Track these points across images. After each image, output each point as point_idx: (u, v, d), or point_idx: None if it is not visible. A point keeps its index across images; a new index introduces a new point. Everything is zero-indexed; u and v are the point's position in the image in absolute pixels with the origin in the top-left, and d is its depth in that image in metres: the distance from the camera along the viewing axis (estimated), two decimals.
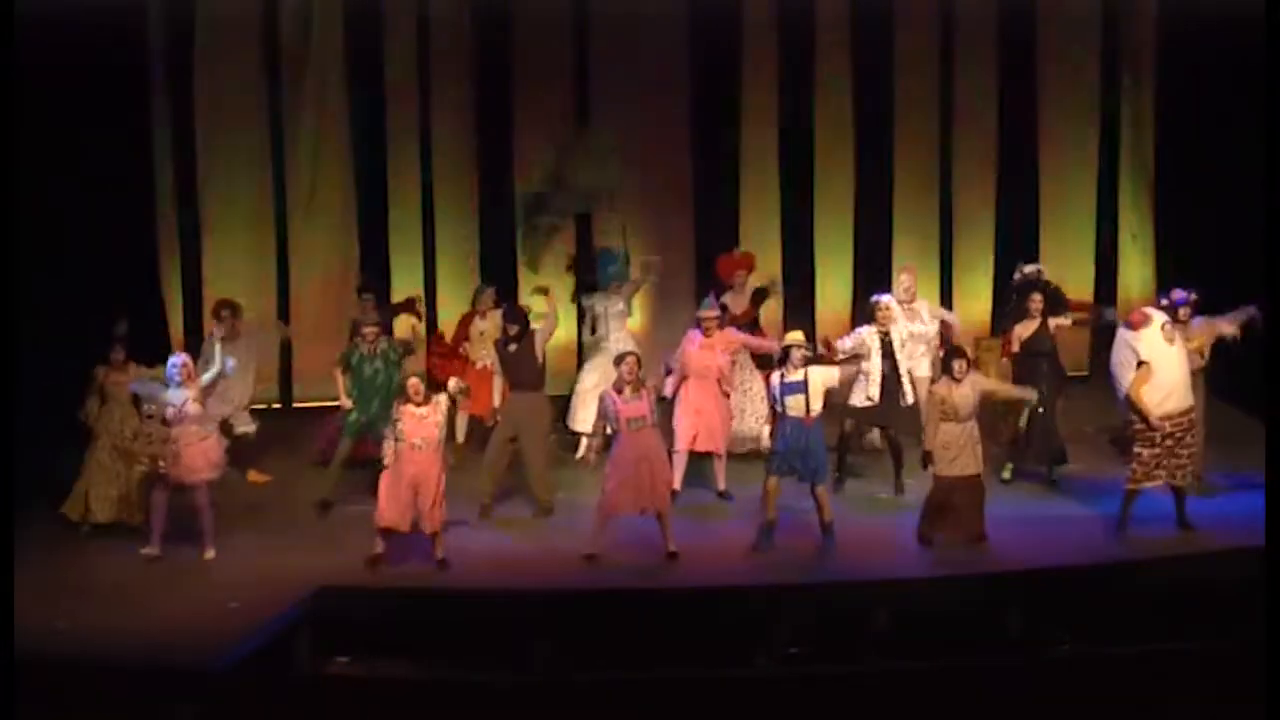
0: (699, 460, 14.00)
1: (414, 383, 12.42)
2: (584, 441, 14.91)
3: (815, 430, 12.73)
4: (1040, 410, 13.92)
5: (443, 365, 14.76)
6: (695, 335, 13.98)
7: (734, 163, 16.85)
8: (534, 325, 13.71)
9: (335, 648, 11.63)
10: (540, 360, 13.59)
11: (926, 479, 12.97)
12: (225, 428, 13.81)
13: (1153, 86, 17.19)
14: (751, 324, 14.90)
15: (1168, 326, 12.88)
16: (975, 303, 17.17)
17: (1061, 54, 17.08)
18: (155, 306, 15.81)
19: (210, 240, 16.45)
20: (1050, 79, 17.11)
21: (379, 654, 11.53)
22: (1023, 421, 14.03)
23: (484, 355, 14.54)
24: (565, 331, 15.50)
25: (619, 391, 12.56)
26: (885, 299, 14.01)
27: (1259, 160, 14.72)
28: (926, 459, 12.62)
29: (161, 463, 12.67)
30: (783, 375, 12.70)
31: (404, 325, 15.16)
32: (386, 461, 12.41)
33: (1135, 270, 17.45)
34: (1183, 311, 13.83)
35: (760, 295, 15.03)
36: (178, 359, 12.85)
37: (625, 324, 14.95)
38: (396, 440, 12.33)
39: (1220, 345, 13.91)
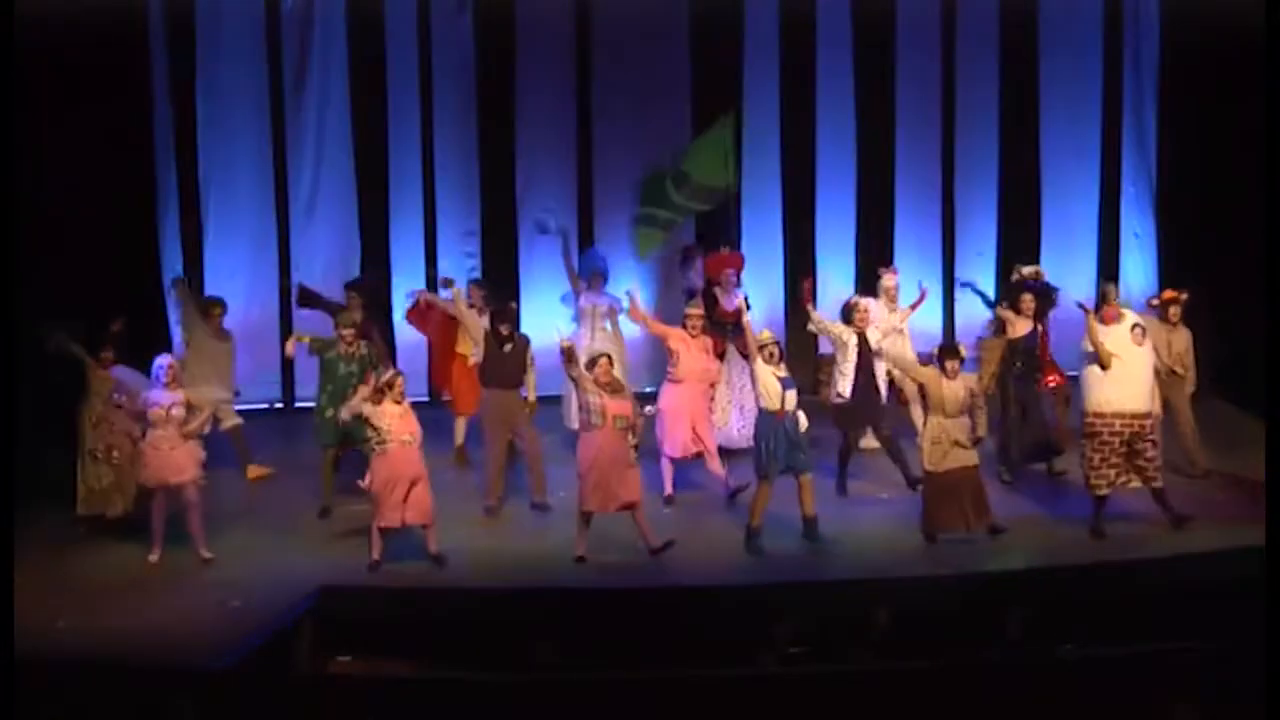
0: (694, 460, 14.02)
1: (399, 381, 12.34)
2: None
3: (800, 422, 12.82)
4: (1029, 409, 13.90)
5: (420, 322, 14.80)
6: (685, 340, 13.92)
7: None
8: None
9: (335, 648, 11.64)
10: (528, 365, 13.62)
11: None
12: (213, 422, 13.75)
13: (1154, 86, 17.20)
14: (739, 323, 14.84)
15: (1138, 330, 12.84)
16: (975, 302, 17.15)
17: (1062, 54, 17.08)
18: (155, 306, 15.80)
19: (210, 240, 16.45)
20: (1050, 79, 17.10)
21: (379, 654, 11.53)
22: (1015, 416, 14.02)
23: (476, 353, 14.46)
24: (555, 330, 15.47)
25: (600, 389, 12.46)
26: (864, 301, 14.05)
27: (1260, 160, 14.72)
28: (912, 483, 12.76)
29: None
30: (775, 374, 12.71)
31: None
32: (365, 483, 12.33)
33: (1136, 270, 17.45)
34: (1173, 312, 13.81)
35: (745, 300, 15.02)
36: (164, 360, 12.79)
37: (608, 323, 14.91)
38: (382, 442, 12.27)
39: (1220, 343, 13.95)
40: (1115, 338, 12.80)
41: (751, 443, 14.48)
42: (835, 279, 16.84)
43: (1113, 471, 12.70)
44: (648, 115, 16.68)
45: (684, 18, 16.60)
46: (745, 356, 14.69)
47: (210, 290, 15.79)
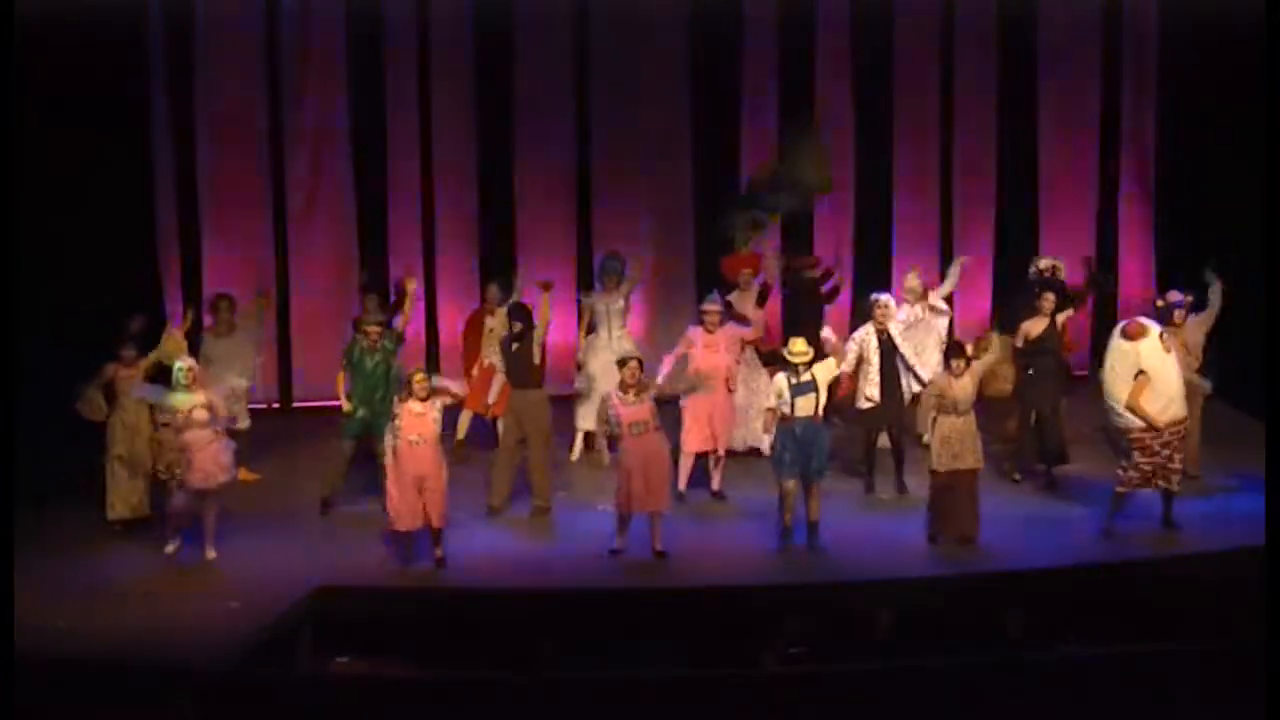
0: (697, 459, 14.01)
1: (420, 379, 12.38)
2: (578, 441, 14.96)
3: (824, 429, 12.74)
4: (1045, 409, 13.91)
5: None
6: (697, 333, 13.95)
7: (734, 162, 16.84)
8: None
9: (335, 648, 11.63)
10: (539, 359, 13.56)
11: (922, 483, 13.00)
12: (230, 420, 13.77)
13: (1153, 86, 17.20)
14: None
15: (1164, 336, 12.80)
16: (976, 301, 17.17)
17: (1062, 54, 17.08)
18: (156, 307, 15.79)
19: (210, 241, 16.45)
20: (1050, 79, 17.10)
21: (379, 654, 11.53)
22: (1032, 419, 14.00)
23: (492, 353, 14.49)
24: (564, 331, 15.51)
25: (621, 394, 12.54)
26: (884, 296, 14.04)
27: (1259, 160, 14.73)
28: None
29: (177, 471, 12.64)
30: (789, 379, 12.64)
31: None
32: (386, 461, 12.39)
33: (1136, 270, 17.45)
34: (1178, 314, 13.78)
35: (764, 296, 15.01)
36: (183, 363, 12.79)
37: (624, 322, 14.93)
38: (395, 439, 12.31)
39: (1219, 345, 13.93)
40: (1147, 353, 12.67)
41: (755, 442, 14.59)
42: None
43: (1146, 477, 12.69)
44: (648, 115, 16.67)
45: (684, 18, 16.59)
46: (762, 358, 14.73)
47: (211, 290, 15.77)
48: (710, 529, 13.28)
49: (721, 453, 13.91)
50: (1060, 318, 14.00)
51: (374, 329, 13.71)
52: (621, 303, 14.92)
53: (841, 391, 13.82)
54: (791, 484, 12.59)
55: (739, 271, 14.95)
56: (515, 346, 13.54)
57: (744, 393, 14.49)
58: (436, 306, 16.71)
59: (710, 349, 13.88)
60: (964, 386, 12.60)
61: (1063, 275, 14.76)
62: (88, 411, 13.22)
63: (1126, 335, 12.80)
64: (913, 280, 14.94)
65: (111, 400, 13.28)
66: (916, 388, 13.88)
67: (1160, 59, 17.14)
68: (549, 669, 11.18)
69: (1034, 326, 13.97)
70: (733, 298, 14.79)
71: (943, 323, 14.88)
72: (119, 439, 13.22)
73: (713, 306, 14.02)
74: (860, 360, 13.83)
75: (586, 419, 14.88)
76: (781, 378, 12.68)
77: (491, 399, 14.30)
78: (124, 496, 13.21)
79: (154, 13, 15.96)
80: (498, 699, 10.31)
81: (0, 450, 11.82)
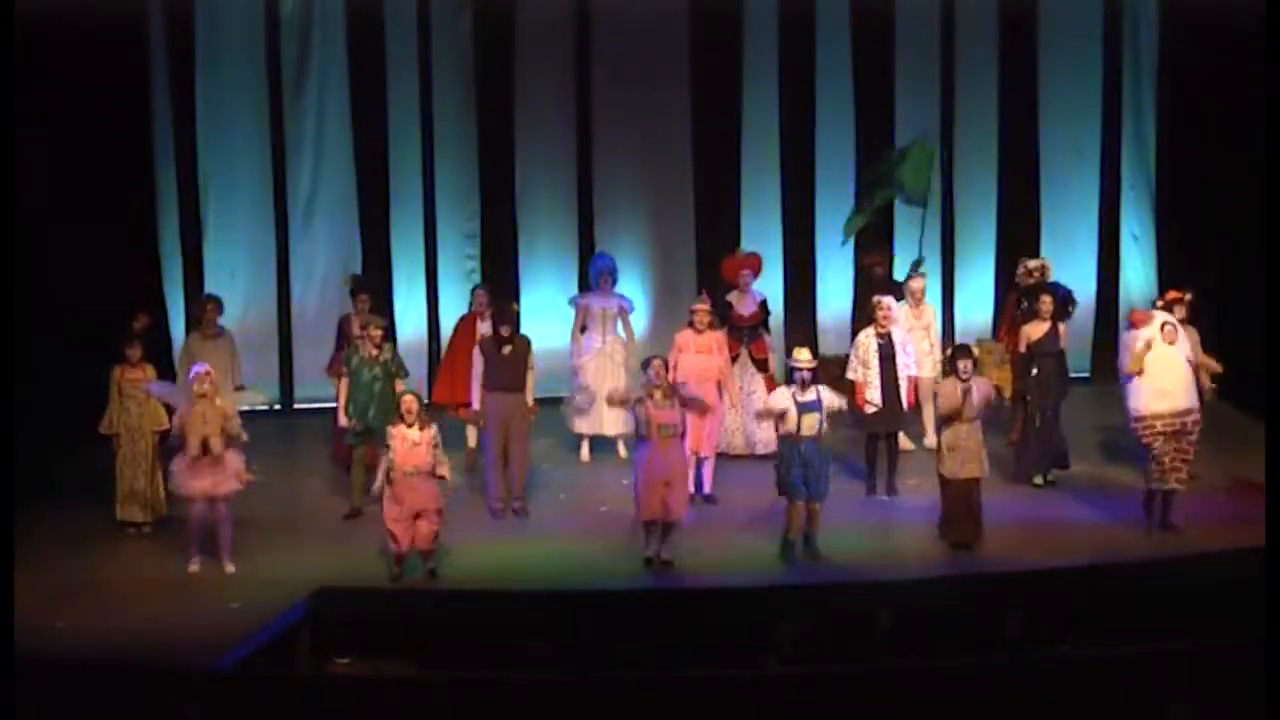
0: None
1: (409, 400, 12.17)
2: (584, 444, 14.97)
3: (827, 450, 12.64)
4: (1046, 413, 13.90)
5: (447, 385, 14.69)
6: (687, 337, 13.79)
7: (734, 162, 16.85)
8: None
9: (335, 648, 11.63)
10: (528, 366, 13.43)
11: (922, 484, 12.98)
12: None
13: (1154, 86, 17.21)
14: (755, 327, 14.86)
15: (1169, 327, 12.82)
16: (975, 302, 17.19)
17: (1062, 54, 17.09)
18: (156, 307, 15.80)
19: (210, 240, 16.46)
20: (1050, 79, 17.11)
21: (379, 654, 11.53)
22: (1037, 421, 13.98)
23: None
24: (558, 332, 15.53)
25: (650, 396, 12.35)
26: (886, 299, 14.02)
27: (1259, 160, 14.72)
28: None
29: (214, 443, 12.31)
30: (794, 395, 12.45)
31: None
32: (376, 490, 12.21)
33: (1136, 270, 17.46)
34: (1178, 312, 13.77)
35: (765, 305, 15.01)
36: (199, 368, 12.57)
37: (619, 325, 14.91)
38: (390, 468, 12.10)
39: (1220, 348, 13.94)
40: (1146, 339, 12.70)
41: (752, 449, 14.56)
42: (835, 279, 16.86)
43: (1165, 471, 12.67)
44: (648, 115, 16.69)
45: (684, 17, 16.60)
46: (756, 363, 14.71)
47: (210, 291, 15.79)
48: (709, 530, 13.26)
49: (709, 455, 13.80)
50: (1062, 326, 14.00)
51: (377, 333, 13.59)
52: (616, 305, 14.89)
53: (859, 401, 13.77)
54: (801, 504, 12.50)
55: (738, 272, 14.94)
56: (507, 351, 13.37)
57: (740, 396, 14.47)
58: (437, 307, 16.70)
59: (701, 351, 13.73)
60: (969, 393, 12.53)
61: (1050, 275, 14.77)
62: (106, 426, 13.18)
63: (1131, 324, 12.90)
64: (916, 282, 14.96)
65: (116, 402, 13.21)
66: (907, 402, 13.85)
67: (1160, 59, 17.14)
68: (548, 670, 11.18)
69: (1034, 330, 13.98)
70: (731, 298, 14.77)
71: (935, 324, 15.06)
72: (123, 440, 13.18)
73: (701, 306, 13.87)
74: (862, 365, 13.81)
75: (583, 424, 14.86)
76: (785, 393, 12.50)
77: (475, 405, 14.04)
78: (131, 497, 13.18)
79: (154, 12, 15.96)
80: (497, 699, 10.31)
81: (0, 450, 11.81)
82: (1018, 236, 16.87)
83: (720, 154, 16.83)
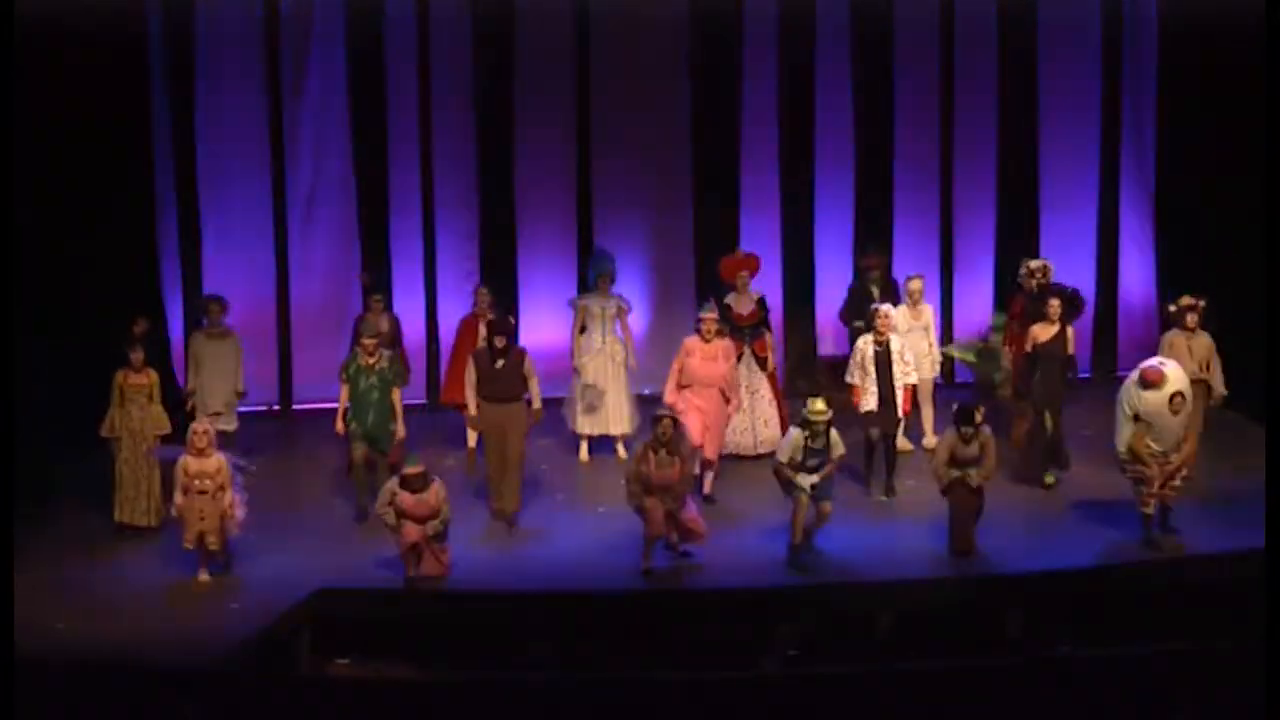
0: None
1: (413, 471, 12.15)
2: (584, 445, 14.97)
3: (831, 480, 12.68)
4: (1051, 414, 13.80)
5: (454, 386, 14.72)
6: (695, 342, 13.78)
7: (734, 162, 16.84)
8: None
9: (335, 648, 11.64)
10: (522, 373, 13.32)
11: (921, 484, 12.97)
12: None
13: (1153, 86, 17.19)
14: (755, 326, 14.85)
15: (1178, 399, 12.52)
16: (975, 303, 17.17)
17: (1062, 54, 17.07)
18: (156, 307, 15.79)
19: (210, 241, 16.44)
20: (1049, 80, 17.10)
21: (379, 654, 11.53)
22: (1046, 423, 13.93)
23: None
24: (558, 332, 15.50)
25: (654, 452, 12.30)
26: (884, 306, 14.02)
27: (1259, 160, 14.72)
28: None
29: (211, 539, 12.36)
30: (807, 441, 12.41)
31: None
32: (385, 517, 12.23)
33: (1135, 271, 17.45)
34: (1191, 318, 13.68)
35: (763, 303, 15.00)
36: (199, 427, 12.52)
37: (617, 325, 14.91)
38: (395, 511, 12.16)
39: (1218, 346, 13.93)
40: (1153, 405, 12.51)
41: (757, 449, 14.55)
42: (834, 279, 16.84)
43: (1154, 495, 12.66)
44: (648, 115, 16.67)
45: (684, 17, 16.59)
46: (758, 361, 14.70)
47: (209, 291, 15.78)
48: (709, 530, 13.25)
49: (713, 458, 13.79)
50: (1070, 330, 13.91)
51: (370, 341, 13.55)
52: (614, 305, 14.89)
53: (855, 401, 13.77)
54: (804, 498, 12.51)
55: (736, 273, 14.94)
56: (501, 364, 13.23)
57: (744, 395, 14.47)
58: (436, 307, 16.69)
59: (708, 358, 13.73)
60: (969, 451, 12.54)
61: (1052, 276, 14.75)
62: (107, 430, 13.15)
63: (1143, 380, 12.62)
64: (914, 283, 14.95)
65: (118, 406, 13.18)
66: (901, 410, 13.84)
67: (1160, 59, 17.13)
68: (548, 670, 11.19)
69: (1043, 332, 13.86)
70: (730, 299, 14.77)
71: (933, 327, 15.15)
72: (124, 445, 13.13)
73: (709, 315, 13.87)
74: (860, 370, 13.80)
75: (586, 424, 14.86)
76: (799, 435, 12.49)
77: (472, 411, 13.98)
78: (131, 502, 13.16)
79: (154, 14, 15.95)
80: (497, 700, 10.31)
81: (0, 450, 11.81)
82: (1018, 236, 16.86)
83: (720, 154, 16.81)
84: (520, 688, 10.53)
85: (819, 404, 12.48)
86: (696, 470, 13.33)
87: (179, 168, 16.26)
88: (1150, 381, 12.54)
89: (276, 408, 16.47)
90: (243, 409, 14.70)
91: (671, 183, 16.86)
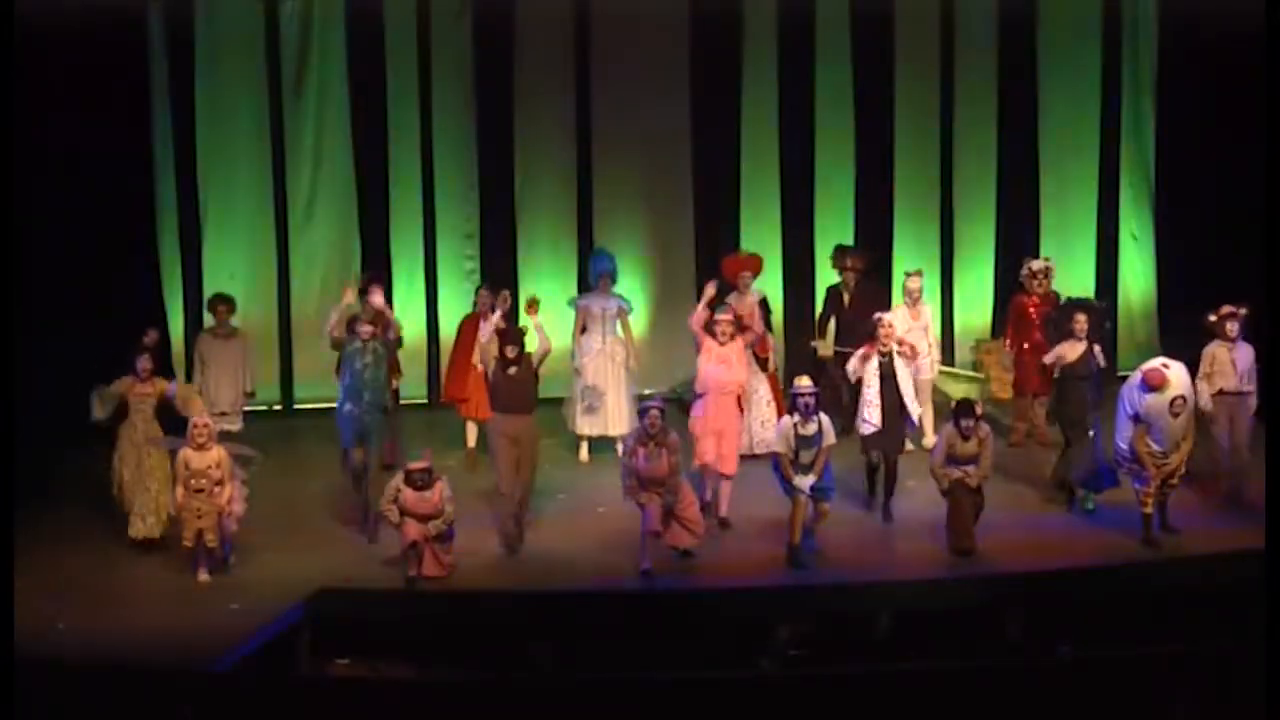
0: None
1: (416, 469, 12.26)
2: (584, 445, 14.97)
3: (827, 465, 12.67)
4: (1076, 433, 13.37)
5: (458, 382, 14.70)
6: (712, 345, 13.56)
7: (734, 163, 16.84)
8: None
9: (335, 648, 11.63)
10: (536, 383, 13.16)
11: (921, 484, 12.97)
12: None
13: (1153, 86, 17.20)
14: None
15: (1179, 402, 12.46)
16: (976, 303, 17.18)
17: (1061, 54, 17.08)
18: (156, 308, 15.80)
19: (210, 241, 16.45)
20: (1050, 79, 17.10)
21: (379, 654, 11.53)
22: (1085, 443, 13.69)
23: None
24: (559, 335, 15.49)
25: (642, 446, 12.33)
26: (887, 316, 13.68)
27: (1259, 160, 14.72)
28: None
29: (209, 536, 12.43)
30: (796, 428, 12.43)
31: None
32: (388, 513, 12.31)
33: (1136, 271, 17.45)
34: (1231, 327, 13.31)
35: (764, 303, 14.99)
36: (200, 420, 12.53)
37: (619, 325, 14.89)
38: (402, 514, 12.23)
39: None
40: (1153, 407, 12.47)
41: (755, 449, 14.53)
42: (834, 279, 16.82)
43: (1153, 492, 12.67)
44: (648, 115, 16.67)
45: (684, 17, 16.59)
46: (759, 362, 14.69)
47: (209, 291, 15.78)
48: (709, 530, 13.24)
49: (732, 474, 13.49)
50: (1098, 347, 13.50)
51: (367, 329, 13.50)
52: (615, 306, 14.87)
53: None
54: (803, 498, 12.52)
55: (739, 273, 14.93)
56: (514, 371, 13.01)
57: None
58: (436, 307, 16.70)
59: (723, 362, 13.52)
60: (968, 449, 12.51)
61: (1054, 275, 14.71)
62: (96, 409, 13.04)
63: (1147, 384, 12.53)
64: (913, 281, 14.95)
65: (123, 416, 13.09)
66: (915, 415, 13.69)
67: (1160, 58, 17.13)
68: (548, 671, 11.19)
69: (1070, 350, 13.39)
70: (730, 299, 14.75)
71: (933, 324, 15.18)
72: (127, 458, 13.04)
73: (724, 317, 13.68)
74: (860, 381, 13.47)
75: (587, 424, 14.86)
76: (789, 424, 12.49)
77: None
78: (140, 518, 13.03)
79: (154, 12, 15.95)
80: (497, 700, 10.31)
81: (0, 450, 11.81)
82: (1017, 236, 16.86)
83: (720, 154, 16.80)
84: (520, 688, 10.53)
85: (805, 380, 12.60)
86: (695, 468, 13.33)
87: (180, 168, 16.27)
88: (1152, 384, 12.48)
89: (278, 406, 16.51)
90: (243, 409, 14.72)
91: (671, 183, 16.86)
